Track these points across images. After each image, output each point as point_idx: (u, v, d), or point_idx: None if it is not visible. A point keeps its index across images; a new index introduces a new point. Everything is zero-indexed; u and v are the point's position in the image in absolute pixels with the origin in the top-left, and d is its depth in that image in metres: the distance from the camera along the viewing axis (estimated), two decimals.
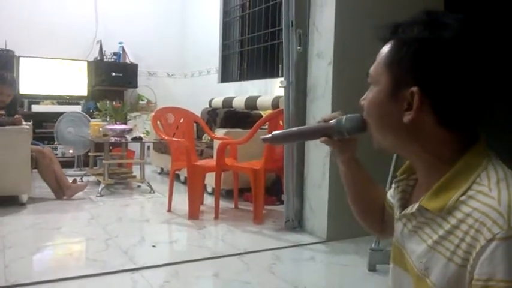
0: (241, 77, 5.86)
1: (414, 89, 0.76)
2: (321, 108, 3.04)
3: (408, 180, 0.94)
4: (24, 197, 3.81)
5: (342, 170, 1.08)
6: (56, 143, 5.39)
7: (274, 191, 3.91)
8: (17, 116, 3.97)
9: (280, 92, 4.24)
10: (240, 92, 5.50)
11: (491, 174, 0.75)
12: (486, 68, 0.77)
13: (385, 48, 0.83)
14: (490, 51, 0.77)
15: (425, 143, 0.80)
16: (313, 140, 1.07)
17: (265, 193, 3.50)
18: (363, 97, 0.88)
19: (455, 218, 0.74)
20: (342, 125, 0.96)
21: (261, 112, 4.58)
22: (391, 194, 1.03)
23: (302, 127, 1.10)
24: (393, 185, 1.00)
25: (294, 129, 1.10)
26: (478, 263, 0.69)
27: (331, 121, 0.99)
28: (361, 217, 1.12)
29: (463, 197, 0.74)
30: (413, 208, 0.82)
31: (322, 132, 1.00)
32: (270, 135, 1.06)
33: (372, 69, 0.86)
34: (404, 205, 0.90)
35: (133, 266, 2.48)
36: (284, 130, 1.14)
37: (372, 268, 2.52)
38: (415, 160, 0.86)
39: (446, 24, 0.76)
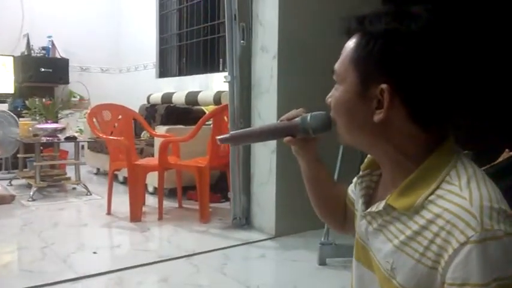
0: (181, 72, 5.73)
1: (384, 86, 0.72)
2: (266, 102, 3.00)
3: (372, 175, 0.91)
4: None
5: (304, 169, 1.04)
6: None
7: (218, 189, 3.84)
8: None
9: (222, 87, 4.17)
10: (179, 87, 5.36)
11: (461, 172, 0.72)
12: (459, 59, 0.74)
13: (350, 43, 0.78)
14: (462, 42, 0.75)
15: (395, 141, 0.77)
16: (275, 139, 1.01)
17: (210, 191, 3.41)
18: (329, 95, 0.83)
19: (423, 219, 0.71)
20: (307, 123, 0.91)
21: (203, 108, 4.48)
22: (352, 189, 1.01)
23: (263, 126, 1.03)
24: (355, 180, 0.97)
25: (254, 128, 1.03)
26: (450, 267, 0.66)
27: (295, 119, 0.93)
28: (323, 215, 1.09)
29: (432, 196, 0.72)
30: (378, 206, 0.79)
31: (286, 131, 0.95)
32: (228, 135, 0.99)
33: (337, 66, 0.81)
34: (368, 201, 0.87)
35: (73, 276, 2.31)
36: (243, 130, 1.07)
37: (322, 262, 2.52)
38: (382, 157, 0.82)
39: (415, 14, 0.73)
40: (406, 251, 0.73)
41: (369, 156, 0.91)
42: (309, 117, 0.91)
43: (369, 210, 0.82)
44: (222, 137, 0.99)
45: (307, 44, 2.98)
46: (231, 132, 1.00)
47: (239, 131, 1.02)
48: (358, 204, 0.90)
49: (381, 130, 0.76)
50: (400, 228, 0.75)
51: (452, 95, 0.75)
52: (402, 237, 0.74)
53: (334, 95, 0.81)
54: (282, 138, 0.96)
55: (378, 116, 0.74)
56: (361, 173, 0.92)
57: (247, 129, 1.06)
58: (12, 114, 5.03)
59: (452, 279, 0.66)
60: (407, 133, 0.75)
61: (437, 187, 0.72)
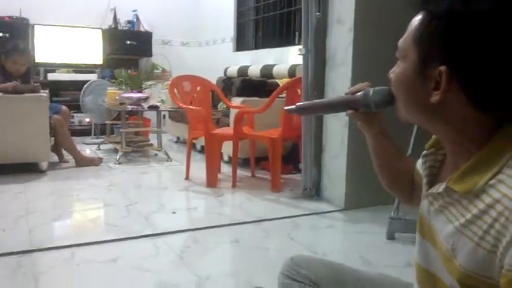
0: (257, 46, 5.80)
1: (442, 68, 0.71)
2: (340, 76, 3.00)
3: (436, 155, 0.89)
4: (44, 165, 3.87)
5: (370, 143, 1.05)
6: (73, 111, 5.37)
7: (291, 160, 3.91)
8: (36, 83, 3.98)
9: (296, 60, 4.20)
10: (255, 60, 5.45)
11: None
12: None
13: (415, 20, 0.77)
14: None
15: (454, 123, 0.76)
16: (339, 112, 1.04)
17: (282, 162, 3.50)
18: (392, 70, 0.84)
19: (483, 203, 0.70)
20: (369, 98, 0.92)
21: (277, 81, 4.54)
22: (420, 164, 0.99)
23: (328, 98, 1.07)
24: (420, 160, 0.96)
25: (319, 100, 1.06)
26: (508, 253, 0.66)
27: (357, 93, 0.95)
28: (390, 187, 1.10)
29: (493, 181, 0.70)
30: (439, 188, 0.79)
31: (349, 105, 0.97)
32: (294, 106, 1.03)
33: (400, 42, 0.81)
34: (431, 181, 0.87)
35: (154, 231, 2.51)
36: (310, 101, 1.11)
37: (390, 236, 2.52)
38: (442, 137, 0.82)
39: None
40: (466, 233, 0.72)
41: (434, 135, 0.90)
42: (371, 92, 0.92)
43: (430, 191, 0.83)
44: (289, 107, 1.04)
45: (384, 16, 2.92)
46: (298, 104, 1.03)
47: (306, 102, 1.06)
48: (423, 183, 0.90)
49: (437, 111, 0.76)
50: (460, 210, 0.75)
51: None
52: (462, 220, 0.73)
53: (395, 71, 0.82)
54: (344, 111, 0.98)
55: (434, 98, 0.74)
56: (425, 152, 0.91)
57: (314, 101, 1.09)
58: (108, 82, 5.35)
59: (509, 265, 0.65)
60: (465, 116, 0.74)
61: (499, 171, 0.70)
